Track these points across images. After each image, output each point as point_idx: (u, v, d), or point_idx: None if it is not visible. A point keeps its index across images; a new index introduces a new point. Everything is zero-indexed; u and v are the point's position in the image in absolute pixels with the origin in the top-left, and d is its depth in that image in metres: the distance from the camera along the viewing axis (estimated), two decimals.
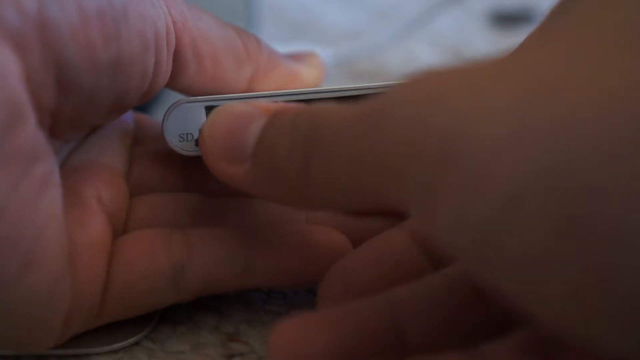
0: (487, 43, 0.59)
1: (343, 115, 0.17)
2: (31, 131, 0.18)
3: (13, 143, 0.18)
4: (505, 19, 0.65)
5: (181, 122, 0.23)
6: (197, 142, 0.23)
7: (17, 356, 0.22)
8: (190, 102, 0.23)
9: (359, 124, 0.17)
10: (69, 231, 0.21)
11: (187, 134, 0.24)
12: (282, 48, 0.28)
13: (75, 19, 0.19)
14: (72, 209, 0.21)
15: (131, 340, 0.22)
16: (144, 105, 0.29)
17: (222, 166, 0.20)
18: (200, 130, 0.21)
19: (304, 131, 0.18)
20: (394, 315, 0.19)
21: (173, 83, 0.23)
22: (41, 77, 0.18)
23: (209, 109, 0.23)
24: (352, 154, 0.17)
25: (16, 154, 0.18)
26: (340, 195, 0.18)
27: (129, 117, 0.27)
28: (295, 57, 0.28)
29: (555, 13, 0.18)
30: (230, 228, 0.23)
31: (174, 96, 0.24)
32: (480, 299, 0.19)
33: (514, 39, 0.66)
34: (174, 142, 0.24)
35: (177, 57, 0.23)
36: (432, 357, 0.18)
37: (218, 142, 0.20)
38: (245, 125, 0.20)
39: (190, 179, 0.25)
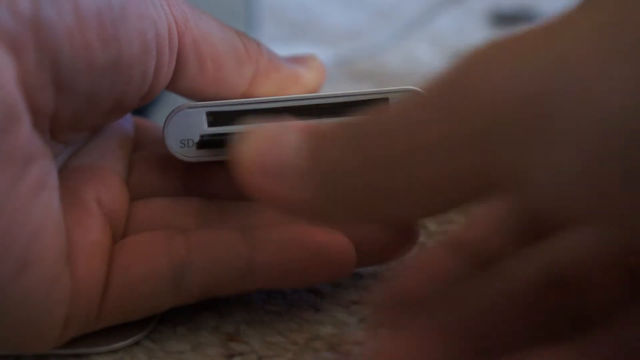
0: None
1: (404, 103, 0.16)
2: (26, 133, 0.18)
3: (7, 144, 0.17)
4: (505, 19, 0.65)
5: (182, 127, 0.23)
6: (197, 145, 0.23)
7: (17, 356, 0.22)
8: (192, 107, 0.23)
9: (432, 111, 0.15)
10: (68, 233, 0.21)
11: (188, 140, 0.24)
12: (282, 48, 0.28)
13: (71, 20, 0.19)
14: (72, 211, 0.21)
15: (131, 340, 0.22)
16: (144, 107, 0.29)
17: (278, 193, 0.17)
18: (239, 162, 0.19)
19: (361, 124, 0.16)
20: (476, 316, 0.18)
21: (173, 85, 0.23)
22: (36, 79, 0.18)
23: (210, 114, 0.23)
24: (435, 142, 0.15)
25: (11, 155, 0.18)
26: (426, 190, 0.15)
27: (129, 121, 0.27)
28: (296, 59, 0.28)
29: None
30: (231, 230, 0.23)
31: (173, 98, 0.24)
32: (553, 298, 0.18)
33: None
34: (175, 148, 0.24)
35: (179, 58, 0.23)
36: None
37: (265, 170, 0.17)
38: (284, 148, 0.17)
39: (190, 184, 0.25)
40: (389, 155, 0.15)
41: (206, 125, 0.23)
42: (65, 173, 0.23)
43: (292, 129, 0.17)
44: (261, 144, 0.17)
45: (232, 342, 0.22)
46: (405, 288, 0.20)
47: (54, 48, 0.18)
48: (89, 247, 0.21)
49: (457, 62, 0.15)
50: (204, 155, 0.24)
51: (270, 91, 0.26)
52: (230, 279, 0.22)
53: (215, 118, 0.24)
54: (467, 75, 0.15)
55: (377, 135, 0.16)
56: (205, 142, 0.23)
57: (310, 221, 0.20)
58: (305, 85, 0.27)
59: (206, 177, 0.25)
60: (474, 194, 0.15)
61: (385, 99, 0.23)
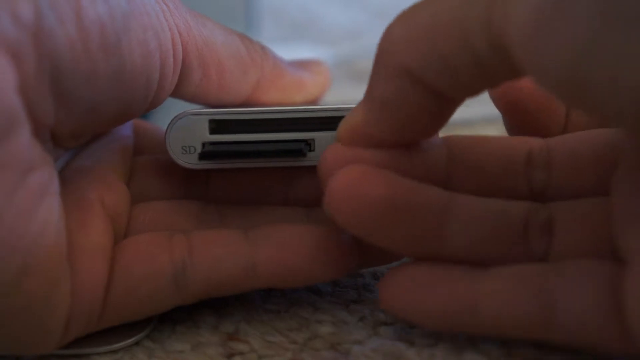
0: None
1: None
2: (25, 141, 0.18)
3: (6, 152, 0.17)
4: None
5: (184, 134, 0.23)
6: (200, 155, 0.23)
7: (17, 356, 0.22)
8: (194, 114, 0.23)
9: None
10: (71, 233, 0.21)
11: (190, 147, 0.24)
12: (282, 48, 0.28)
13: (73, 29, 0.19)
14: (75, 211, 0.21)
15: (131, 340, 0.22)
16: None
17: (344, 130, 0.21)
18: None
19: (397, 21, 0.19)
20: (443, 211, 0.21)
21: (177, 92, 0.23)
22: (37, 87, 0.18)
23: (212, 122, 0.23)
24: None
25: (10, 163, 0.18)
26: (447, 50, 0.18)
27: (129, 124, 0.27)
28: (301, 64, 0.28)
29: None
30: (231, 230, 0.23)
31: (175, 101, 0.24)
32: (526, 238, 0.21)
33: None
34: (177, 155, 0.24)
35: (182, 67, 0.23)
36: None
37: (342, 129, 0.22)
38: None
39: (191, 189, 0.25)
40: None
41: (208, 133, 0.23)
42: (67, 174, 0.23)
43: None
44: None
45: (232, 342, 0.22)
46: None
47: (54, 57, 0.18)
48: (91, 248, 0.21)
49: None
50: (206, 163, 0.24)
51: (275, 97, 0.26)
52: (232, 279, 0.22)
53: (218, 126, 0.24)
54: None
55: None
56: (208, 150, 0.23)
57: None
58: (310, 91, 0.27)
59: (206, 182, 0.25)
60: (486, 69, 0.18)
61: None
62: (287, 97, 0.26)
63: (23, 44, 0.18)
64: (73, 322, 0.20)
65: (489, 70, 0.18)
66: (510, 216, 0.21)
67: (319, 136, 0.24)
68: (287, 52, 0.28)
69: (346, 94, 0.46)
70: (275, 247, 0.22)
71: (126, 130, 0.26)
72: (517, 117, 0.24)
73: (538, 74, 0.17)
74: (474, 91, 0.19)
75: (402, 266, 0.21)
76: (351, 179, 0.20)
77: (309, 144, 0.24)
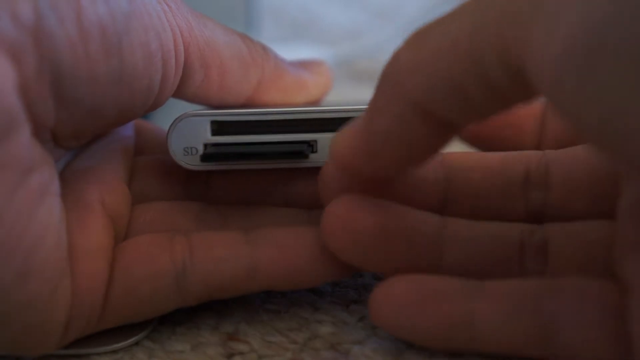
0: None
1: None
2: (25, 141, 0.18)
3: (6, 153, 0.17)
4: None
5: (186, 136, 0.23)
6: (202, 157, 0.23)
7: (17, 356, 0.21)
8: (196, 115, 0.23)
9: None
10: (71, 234, 0.21)
11: (191, 148, 0.23)
12: (282, 48, 0.28)
13: (73, 30, 0.19)
14: (75, 212, 0.21)
15: (131, 340, 0.22)
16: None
17: (343, 155, 0.21)
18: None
19: (407, 45, 0.19)
20: (437, 235, 0.21)
21: (178, 92, 0.23)
22: (37, 88, 0.18)
23: (214, 123, 0.23)
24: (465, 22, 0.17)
25: (9, 164, 0.18)
26: (453, 76, 0.18)
27: (130, 126, 0.27)
28: (303, 64, 0.28)
29: None
30: (232, 231, 0.23)
31: (175, 102, 0.24)
32: (521, 261, 0.21)
33: None
34: (179, 156, 0.24)
35: (184, 67, 0.22)
36: None
37: (340, 146, 0.21)
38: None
39: (192, 190, 0.25)
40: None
41: (210, 134, 0.23)
42: (68, 174, 0.23)
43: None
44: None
45: (232, 342, 0.22)
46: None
47: (55, 57, 0.18)
48: (92, 249, 0.21)
49: None
50: (207, 164, 0.24)
51: (276, 97, 0.26)
52: (233, 280, 0.22)
53: (220, 127, 0.24)
54: None
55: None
56: (210, 151, 0.23)
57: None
58: (311, 92, 0.27)
59: (207, 183, 0.25)
60: (498, 93, 0.17)
61: None
62: (288, 97, 0.26)
63: (23, 45, 0.18)
64: (73, 323, 0.20)
65: (503, 95, 0.17)
66: (506, 238, 0.21)
67: (321, 137, 0.24)
68: (287, 52, 0.28)
69: (346, 94, 0.46)
70: (276, 248, 0.22)
71: (127, 130, 0.26)
72: (492, 147, 0.25)
73: (570, 117, 0.15)
74: (484, 117, 0.18)
75: (394, 280, 0.21)
76: (342, 210, 0.21)
77: (311, 145, 0.24)
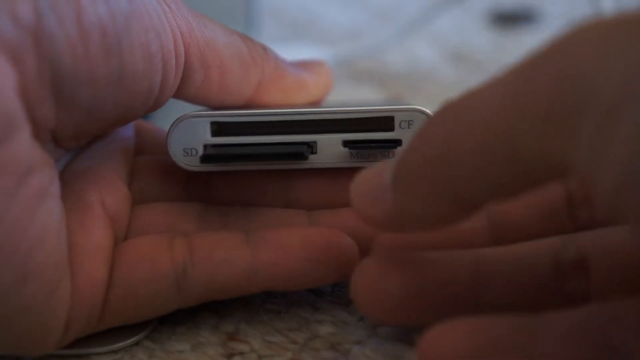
0: (487, 43, 0.59)
1: (482, 88, 0.17)
2: (25, 143, 0.18)
3: (6, 154, 0.17)
4: (505, 19, 0.65)
5: (186, 137, 0.23)
6: (201, 158, 0.23)
7: (17, 356, 0.21)
8: (196, 117, 0.23)
9: (508, 87, 0.16)
10: (71, 235, 0.21)
11: (191, 149, 0.23)
12: (282, 48, 0.28)
13: (73, 31, 0.19)
14: (75, 212, 0.21)
15: (131, 340, 0.22)
16: None
17: (369, 211, 0.20)
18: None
19: (438, 117, 0.17)
20: (474, 273, 0.20)
21: (178, 93, 0.23)
22: (37, 89, 0.18)
23: (214, 124, 0.23)
24: (504, 117, 0.16)
25: (9, 165, 0.18)
26: (489, 172, 0.16)
27: (130, 126, 0.27)
28: (303, 65, 0.28)
29: None
30: (232, 232, 0.23)
31: (175, 103, 0.24)
32: (559, 280, 0.20)
33: (514, 38, 0.66)
34: (178, 157, 0.23)
35: (184, 68, 0.22)
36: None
37: (362, 191, 0.20)
38: (383, 170, 0.19)
39: (192, 190, 0.25)
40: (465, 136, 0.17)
41: (210, 135, 0.23)
42: (68, 175, 0.23)
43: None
44: (367, 174, 0.20)
45: (232, 342, 0.22)
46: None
47: (55, 58, 0.18)
48: (92, 250, 0.21)
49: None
50: (207, 165, 0.24)
51: (276, 98, 0.26)
52: (233, 281, 0.22)
53: (220, 128, 0.24)
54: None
55: (459, 125, 0.17)
56: (210, 152, 0.23)
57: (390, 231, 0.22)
58: (312, 92, 0.27)
59: (207, 183, 0.25)
60: (535, 179, 0.16)
61: (391, 117, 0.23)
62: (288, 98, 0.26)
63: (23, 46, 0.18)
64: (73, 323, 0.20)
65: (536, 182, 0.16)
66: (540, 257, 0.21)
67: (320, 139, 0.24)
68: (287, 52, 0.28)
69: (346, 94, 0.46)
70: (276, 250, 0.22)
71: (127, 131, 0.26)
72: None
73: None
74: (511, 197, 0.17)
75: (444, 328, 0.18)
76: (370, 274, 0.20)
77: (310, 146, 0.24)
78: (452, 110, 0.17)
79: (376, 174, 0.20)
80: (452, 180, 0.17)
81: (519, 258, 0.21)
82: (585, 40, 0.15)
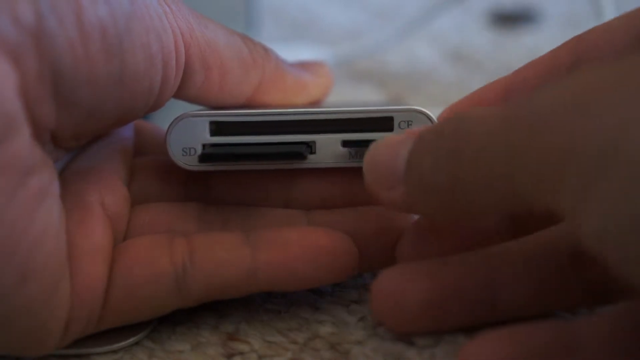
0: (487, 43, 0.59)
1: (490, 120, 0.18)
2: (25, 143, 0.18)
3: (5, 155, 0.17)
4: (505, 19, 0.65)
5: (185, 136, 0.23)
6: (200, 158, 0.23)
7: (17, 356, 0.21)
8: (195, 116, 0.23)
9: (511, 130, 0.17)
10: (70, 235, 0.21)
11: (190, 148, 0.23)
12: (282, 48, 0.28)
13: (73, 32, 0.18)
14: (75, 213, 0.21)
15: (131, 340, 0.22)
16: None
17: (381, 194, 0.21)
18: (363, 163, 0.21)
19: (449, 137, 0.18)
20: (489, 273, 0.21)
21: (179, 93, 0.23)
22: (37, 90, 0.18)
23: (213, 124, 0.23)
24: (504, 158, 0.17)
25: (9, 166, 0.18)
26: (492, 201, 0.18)
27: (129, 126, 0.27)
28: (303, 66, 0.28)
29: None
30: (232, 232, 0.23)
31: (175, 102, 0.24)
32: (575, 269, 0.20)
33: (514, 38, 0.66)
34: (177, 156, 0.23)
35: (185, 69, 0.22)
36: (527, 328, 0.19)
37: (375, 173, 0.21)
38: (397, 153, 0.20)
39: (191, 191, 0.25)
40: (473, 159, 0.18)
41: (209, 135, 0.23)
42: (67, 175, 0.23)
43: (409, 137, 0.20)
44: (381, 154, 0.21)
45: (232, 342, 0.22)
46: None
47: (55, 59, 0.18)
48: (91, 250, 0.21)
49: (560, 86, 0.17)
50: (206, 165, 0.24)
51: (276, 98, 0.26)
52: (233, 281, 0.22)
53: (219, 128, 0.24)
54: (560, 105, 0.16)
55: (469, 140, 0.18)
56: (208, 152, 0.23)
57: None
58: (312, 93, 0.27)
59: (206, 183, 0.25)
60: (535, 210, 0.17)
61: (390, 118, 0.23)
62: (288, 98, 0.26)
63: (23, 47, 0.18)
64: (73, 324, 0.20)
65: (539, 218, 0.18)
66: (553, 244, 0.21)
67: (319, 139, 0.24)
68: (287, 52, 0.28)
69: (346, 94, 0.46)
70: (276, 250, 0.22)
71: (127, 131, 0.26)
72: None
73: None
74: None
75: (481, 341, 0.18)
76: (389, 287, 0.21)
77: (310, 146, 0.24)
78: (460, 130, 0.18)
79: (391, 155, 0.20)
80: (458, 202, 0.18)
81: (533, 250, 0.21)
82: (574, 96, 0.16)
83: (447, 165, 0.18)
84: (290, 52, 0.29)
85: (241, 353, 0.22)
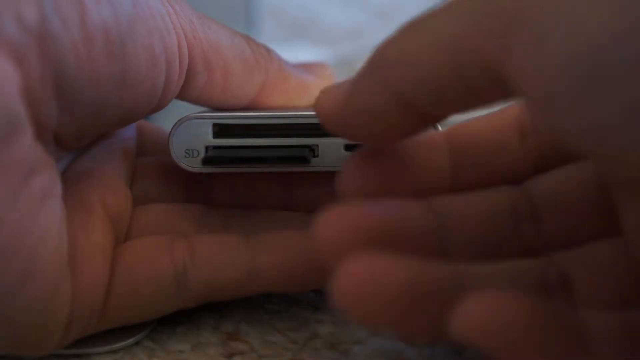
0: None
1: None
2: (28, 144, 0.18)
3: (9, 155, 0.17)
4: None
5: (188, 138, 0.23)
6: (203, 160, 0.23)
7: (17, 356, 0.22)
8: (198, 118, 0.23)
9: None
10: (72, 235, 0.21)
11: (193, 150, 0.24)
12: (282, 48, 0.28)
13: (77, 33, 0.19)
14: (77, 213, 0.21)
15: (131, 340, 0.22)
16: None
17: (323, 106, 0.21)
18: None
19: (399, 30, 0.19)
20: (437, 219, 0.20)
21: (181, 94, 0.23)
22: (40, 91, 0.18)
23: (216, 126, 0.23)
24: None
25: (12, 166, 0.18)
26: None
27: (132, 127, 0.27)
28: (306, 67, 0.28)
29: None
30: (233, 234, 0.23)
31: (176, 103, 0.24)
32: (518, 227, 0.20)
33: None
34: (180, 158, 0.24)
35: (188, 69, 0.22)
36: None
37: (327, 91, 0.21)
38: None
39: (193, 192, 0.25)
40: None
41: (212, 137, 0.24)
42: (69, 175, 0.23)
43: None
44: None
45: (232, 341, 0.22)
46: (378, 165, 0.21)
47: (58, 60, 0.18)
48: (93, 250, 0.21)
49: None
50: (208, 167, 0.24)
51: (279, 100, 0.26)
52: (233, 283, 0.22)
53: (221, 130, 0.24)
54: None
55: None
56: (211, 154, 0.23)
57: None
58: (314, 95, 0.27)
59: (208, 185, 0.25)
60: (476, 91, 0.17)
61: None
62: (291, 100, 0.26)
63: (27, 48, 0.18)
64: (73, 324, 0.20)
65: (481, 95, 0.18)
66: (500, 209, 0.21)
67: (322, 142, 0.24)
68: (287, 52, 0.28)
69: None
70: (277, 252, 0.22)
71: (129, 131, 0.26)
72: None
73: (561, 128, 0.15)
74: (462, 111, 0.19)
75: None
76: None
77: (312, 149, 0.24)
78: (409, 27, 0.19)
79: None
80: (394, 78, 0.18)
81: (480, 207, 0.21)
82: None
83: (394, 43, 0.19)
84: (290, 52, 0.29)
85: (241, 353, 0.22)
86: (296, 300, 0.24)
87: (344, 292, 0.17)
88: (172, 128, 0.23)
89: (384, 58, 0.19)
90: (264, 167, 0.24)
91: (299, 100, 0.27)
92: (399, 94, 0.18)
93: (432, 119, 0.19)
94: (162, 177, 0.25)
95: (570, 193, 0.21)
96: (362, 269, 0.18)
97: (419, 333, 0.18)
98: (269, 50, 0.25)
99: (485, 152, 0.22)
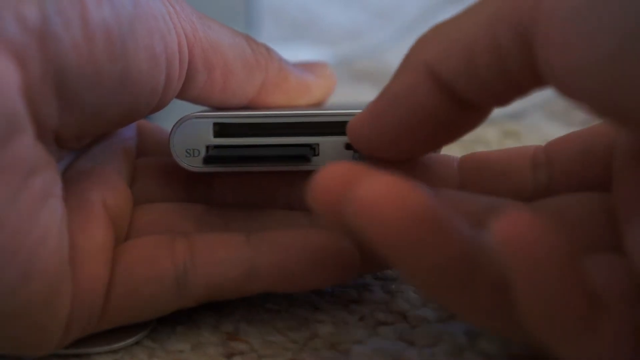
0: None
1: None
2: (29, 143, 0.18)
3: (9, 155, 0.17)
4: None
5: (188, 137, 0.23)
6: (204, 159, 0.23)
7: (17, 356, 0.22)
8: (199, 117, 0.23)
9: None
10: (72, 235, 0.21)
11: (193, 150, 0.24)
12: (282, 48, 0.28)
13: (78, 33, 0.19)
14: (77, 213, 0.21)
15: (131, 339, 0.22)
16: None
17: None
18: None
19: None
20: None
21: (182, 94, 0.23)
22: (41, 90, 0.18)
23: (216, 125, 0.24)
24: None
25: (13, 166, 0.18)
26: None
27: (132, 126, 0.27)
28: (306, 67, 0.28)
29: None
30: (233, 233, 0.23)
31: (177, 103, 0.24)
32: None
33: None
34: (181, 158, 0.24)
35: (188, 69, 0.23)
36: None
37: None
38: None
39: (194, 192, 0.25)
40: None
41: (212, 136, 0.24)
42: (70, 175, 0.23)
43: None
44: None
45: (232, 341, 0.22)
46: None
47: (59, 60, 0.18)
48: (93, 250, 0.21)
49: None
50: (209, 167, 0.24)
51: (279, 99, 0.26)
52: (233, 282, 0.22)
53: (222, 129, 0.24)
54: None
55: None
56: (212, 154, 0.23)
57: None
58: (315, 94, 0.27)
59: (209, 184, 0.25)
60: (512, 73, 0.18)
61: None
62: (291, 99, 0.26)
63: (28, 48, 0.18)
64: (73, 324, 0.20)
65: (511, 72, 0.18)
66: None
67: (323, 141, 0.24)
68: (287, 52, 0.28)
69: (346, 94, 0.46)
70: (277, 252, 0.22)
71: (129, 131, 0.26)
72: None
73: (565, 73, 0.16)
74: (493, 96, 0.19)
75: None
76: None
77: (313, 148, 0.24)
78: (440, 24, 0.20)
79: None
80: (426, 51, 0.20)
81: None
82: None
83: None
84: (290, 52, 0.29)
85: (241, 353, 0.22)
86: (296, 300, 0.24)
87: (365, 206, 0.16)
88: (173, 127, 0.23)
89: (417, 41, 0.20)
90: (264, 166, 0.24)
91: (299, 99, 0.27)
92: (427, 64, 0.19)
93: (463, 110, 0.20)
94: (163, 176, 0.25)
95: (575, 212, 0.21)
96: (386, 184, 0.16)
97: (435, 256, 0.17)
98: (269, 50, 0.25)
99: (495, 174, 0.23)
